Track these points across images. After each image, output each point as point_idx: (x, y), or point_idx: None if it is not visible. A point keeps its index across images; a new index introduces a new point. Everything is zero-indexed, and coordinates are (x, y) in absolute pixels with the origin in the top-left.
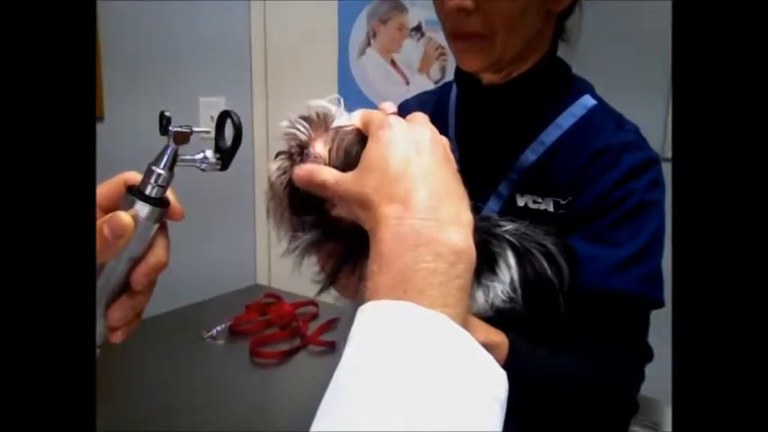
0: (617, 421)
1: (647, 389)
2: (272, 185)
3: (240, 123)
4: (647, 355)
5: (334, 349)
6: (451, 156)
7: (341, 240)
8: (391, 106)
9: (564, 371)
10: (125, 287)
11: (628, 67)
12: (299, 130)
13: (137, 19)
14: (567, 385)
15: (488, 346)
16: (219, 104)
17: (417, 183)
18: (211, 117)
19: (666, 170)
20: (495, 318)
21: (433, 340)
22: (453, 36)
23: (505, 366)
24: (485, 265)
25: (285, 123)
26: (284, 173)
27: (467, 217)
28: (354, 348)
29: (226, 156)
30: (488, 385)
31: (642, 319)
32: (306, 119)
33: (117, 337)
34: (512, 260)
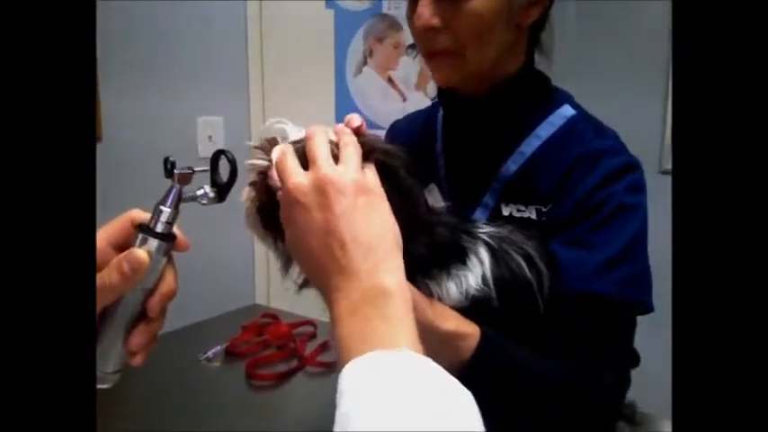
0: (600, 426)
1: (646, 403)
2: (246, 212)
3: (234, 160)
4: (633, 359)
5: (332, 371)
6: (367, 183)
7: None
8: (356, 119)
9: (541, 370)
10: (141, 315)
11: (625, 76)
12: (257, 158)
13: (135, 40)
14: (545, 385)
15: (459, 336)
16: (217, 124)
17: (338, 257)
18: (209, 137)
19: (666, 183)
20: (473, 314)
21: (400, 373)
22: (425, 54)
23: (475, 356)
24: (454, 257)
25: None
26: (251, 200)
27: (389, 264)
28: (345, 402)
29: (223, 189)
30: (462, 410)
31: (626, 323)
32: (261, 147)
33: (137, 361)
34: (484, 255)
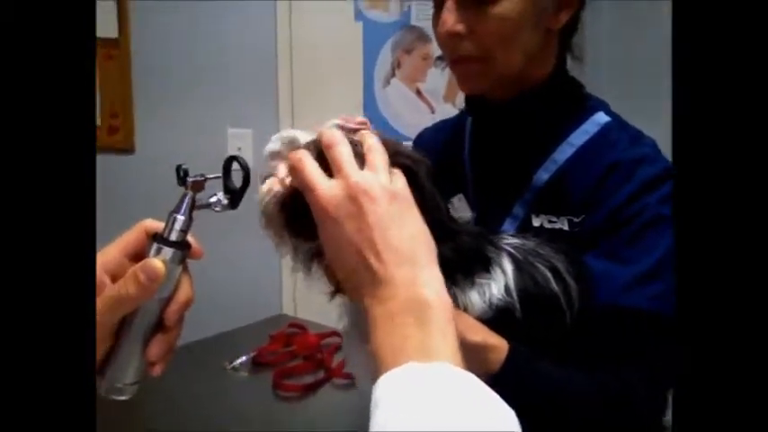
0: None
1: None
2: (263, 207)
3: (247, 166)
4: (671, 377)
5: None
6: (397, 190)
7: None
8: (357, 118)
9: (570, 385)
10: (158, 325)
11: (656, 82)
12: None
13: (167, 54)
14: (574, 400)
15: (486, 348)
16: (247, 136)
17: (372, 266)
18: (239, 148)
19: None
20: (497, 325)
21: (440, 387)
22: (450, 61)
23: (503, 369)
24: (478, 266)
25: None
26: (275, 195)
27: (427, 274)
28: (380, 415)
29: (236, 196)
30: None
31: (660, 340)
32: (279, 152)
33: (156, 371)
34: (507, 266)
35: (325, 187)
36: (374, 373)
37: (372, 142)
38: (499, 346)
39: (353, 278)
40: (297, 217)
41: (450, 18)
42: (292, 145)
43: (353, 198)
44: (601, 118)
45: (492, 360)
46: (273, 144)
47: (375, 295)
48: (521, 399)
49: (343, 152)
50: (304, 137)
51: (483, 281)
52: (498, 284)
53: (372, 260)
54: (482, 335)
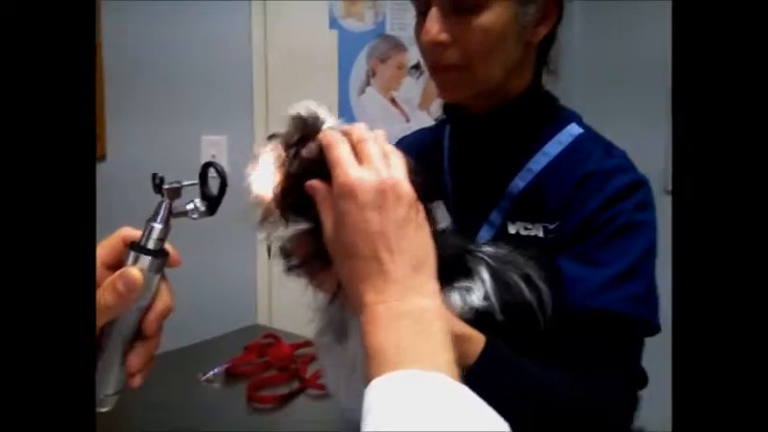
0: None
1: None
2: (258, 164)
3: (224, 172)
4: (640, 380)
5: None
6: (404, 192)
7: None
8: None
9: (544, 382)
10: (138, 334)
11: (629, 96)
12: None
13: (140, 58)
14: (547, 397)
15: (463, 338)
16: (221, 143)
17: (383, 261)
18: (213, 155)
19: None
20: (477, 326)
21: (434, 397)
22: (433, 69)
23: (479, 360)
24: (460, 274)
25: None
26: (279, 159)
27: (432, 286)
28: (373, 419)
29: (213, 202)
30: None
31: (631, 341)
32: (301, 119)
33: (136, 381)
34: (485, 275)
35: (356, 168)
36: (369, 372)
37: (390, 148)
38: (477, 337)
39: (358, 268)
40: (302, 192)
41: (434, 27)
42: (313, 121)
43: (382, 191)
44: (574, 129)
45: (469, 351)
46: (300, 109)
47: (381, 292)
48: (497, 390)
49: (373, 147)
50: (330, 120)
51: (463, 285)
52: (477, 295)
53: (385, 257)
54: (459, 326)
